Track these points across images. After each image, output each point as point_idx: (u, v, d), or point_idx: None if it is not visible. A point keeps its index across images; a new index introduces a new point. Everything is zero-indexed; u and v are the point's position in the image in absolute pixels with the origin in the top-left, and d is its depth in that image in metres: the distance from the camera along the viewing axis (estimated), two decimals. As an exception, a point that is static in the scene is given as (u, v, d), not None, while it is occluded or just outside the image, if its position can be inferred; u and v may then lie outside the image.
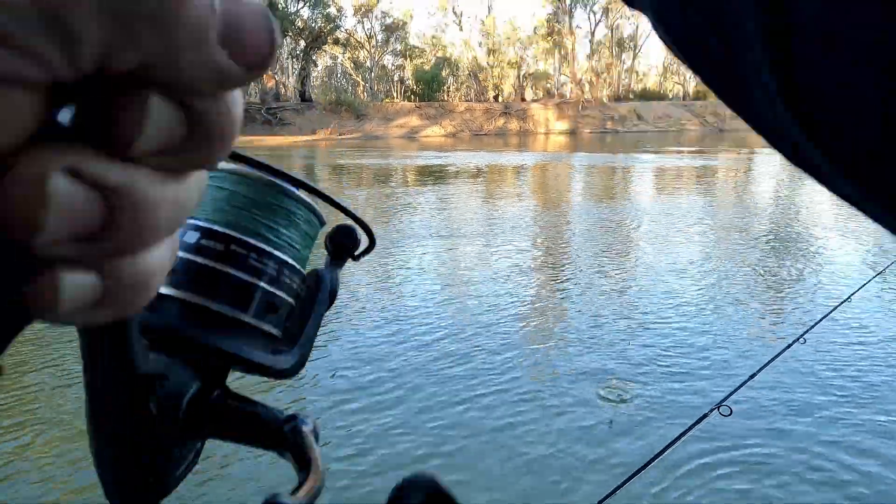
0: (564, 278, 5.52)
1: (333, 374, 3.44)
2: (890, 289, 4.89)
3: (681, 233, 7.34)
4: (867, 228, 7.51)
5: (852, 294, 2.73)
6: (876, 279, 5.29)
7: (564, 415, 3.00)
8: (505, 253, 6.45)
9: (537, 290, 5.18)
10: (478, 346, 3.82)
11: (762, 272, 5.57)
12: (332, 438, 2.79)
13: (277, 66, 47.54)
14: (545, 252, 6.69)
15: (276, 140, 31.91)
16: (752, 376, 1.76)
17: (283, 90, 47.51)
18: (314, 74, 56.09)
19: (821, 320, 2.41)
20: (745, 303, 4.70)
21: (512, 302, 4.79)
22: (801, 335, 2.21)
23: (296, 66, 49.22)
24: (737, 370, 3.47)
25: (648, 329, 4.15)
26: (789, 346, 2.13)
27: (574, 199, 11.19)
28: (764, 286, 5.15)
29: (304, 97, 43.89)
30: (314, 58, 49.21)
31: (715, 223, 8.05)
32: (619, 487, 1.22)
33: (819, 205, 9.63)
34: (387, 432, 2.85)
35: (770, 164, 17.12)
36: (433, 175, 15.40)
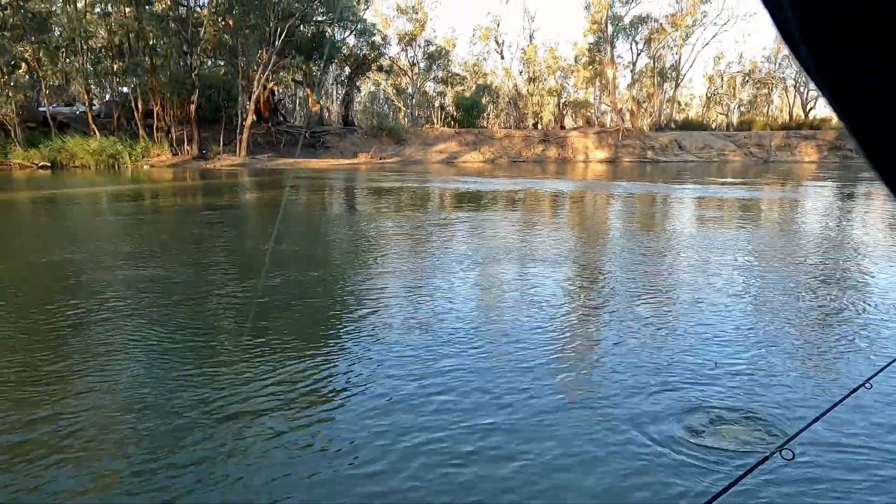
0: (604, 310, 5.42)
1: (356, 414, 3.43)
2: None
3: (729, 266, 7.13)
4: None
5: None
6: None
7: (615, 455, 2.91)
8: (542, 281, 6.38)
9: (575, 323, 5.10)
10: (509, 381, 3.76)
11: (822, 311, 5.35)
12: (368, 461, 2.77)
13: (323, 92, 48.89)
14: (585, 282, 6.60)
15: (318, 163, 32.65)
16: (815, 420, 1.68)
17: (327, 115, 48.75)
18: (357, 100, 57.43)
19: (888, 365, 2.28)
20: (804, 343, 4.51)
21: (549, 334, 4.72)
22: (867, 380, 2.10)
23: (340, 92, 50.54)
24: (799, 414, 3.32)
25: (698, 369, 4.02)
26: (854, 390, 2.02)
27: (614, 227, 11.04)
28: (824, 326, 4.94)
29: (346, 122, 44.93)
30: (358, 84, 50.43)
31: (766, 257, 7.80)
32: None
33: (880, 241, 9.25)
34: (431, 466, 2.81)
35: (821, 198, 16.60)
36: (470, 200, 15.46)
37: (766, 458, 1.46)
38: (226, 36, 34.41)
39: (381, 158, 36.61)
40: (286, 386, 3.57)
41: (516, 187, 18.94)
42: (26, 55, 30.76)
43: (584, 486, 2.60)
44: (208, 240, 9.01)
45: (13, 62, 29.48)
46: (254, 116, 34.12)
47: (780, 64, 50.14)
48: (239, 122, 33.32)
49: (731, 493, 1.30)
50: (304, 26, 37.15)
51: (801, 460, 2.72)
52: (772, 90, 53.23)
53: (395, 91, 52.96)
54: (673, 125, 47.63)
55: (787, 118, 49.43)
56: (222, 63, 37.40)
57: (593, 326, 4.86)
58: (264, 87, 35.40)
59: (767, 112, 54.11)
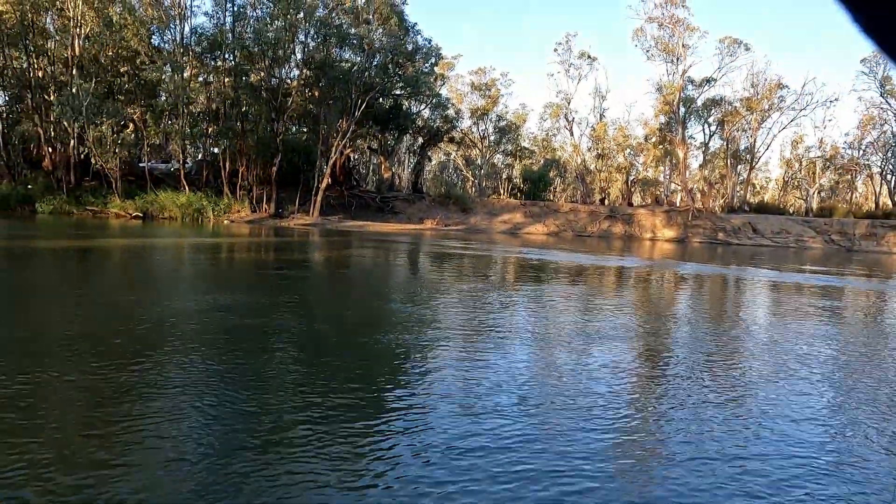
0: (667, 404, 5.18)
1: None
2: None
3: (810, 364, 6.70)
4: None
5: None
6: None
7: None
8: (601, 363, 6.21)
9: (633, 415, 4.89)
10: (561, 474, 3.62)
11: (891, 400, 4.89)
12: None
13: (395, 159, 51.03)
14: (646, 372, 6.35)
15: (386, 226, 33.68)
16: None
17: (398, 181, 50.65)
18: (427, 168, 59.49)
19: None
20: (863, 433, 4.12)
21: (605, 422, 4.55)
22: None
23: (412, 160, 52.63)
24: None
25: (773, 481, 3.74)
26: None
27: (680, 312, 10.66)
28: (890, 417, 4.50)
29: (416, 189, 46.47)
30: (429, 153, 52.41)
31: (850, 356, 7.28)
32: None
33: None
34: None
35: (910, 292, 15.48)
36: (532, 272, 15.39)
37: None
38: (310, 105, 36.96)
39: (446, 225, 37.33)
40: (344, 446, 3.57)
41: (581, 261, 18.74)
42: (134, 116, 34.09)
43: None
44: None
45: (123, 122, 32.68)
46: (329, 180, 35.89)
47: (863, 150, 48.33)
48: (315, 185, 35.10)
49: None
50: (383, 99, 39.38)
51: None
52: (855, 177, 51.11)
53: (464, 161, 54.60)
54: (746, 208, 46.26)
55: (873, 206, 47.03)
56: (305, 129, 39.98)
57: (655, 415, 4.63)
58: (341, 153, 37.39)
59: (850, 199, 51.80)
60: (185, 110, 33.33)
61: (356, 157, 50.56)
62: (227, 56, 34.67)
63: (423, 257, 18.49)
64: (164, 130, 34.79)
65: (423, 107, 44.53)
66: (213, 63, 35.28)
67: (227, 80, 34.56)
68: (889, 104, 43.66)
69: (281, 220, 33.12)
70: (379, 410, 4.25)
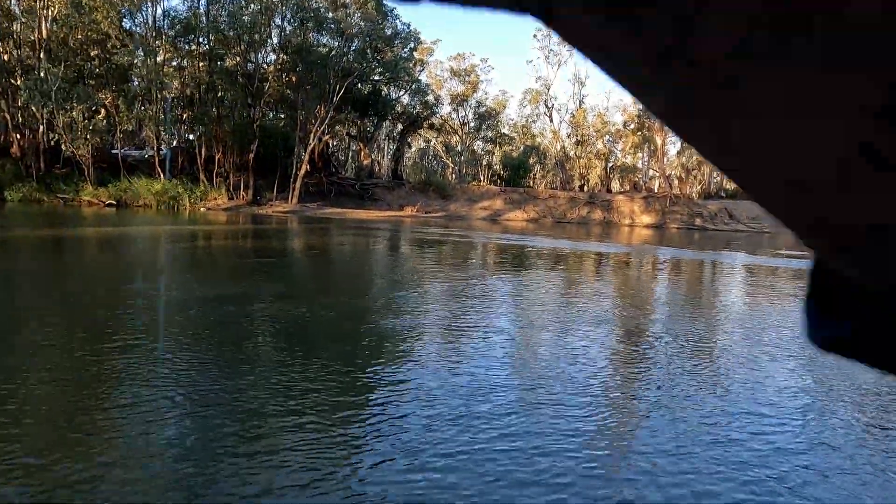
0: (647, 387, 5.24)
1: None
2: None
3: (780, 342, 6.83)
4: None
5: None
6: None
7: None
8: (581, 349, 6.26)
9: (613, 401, 4.94)
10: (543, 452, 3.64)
11: (866, 381, 5.02)
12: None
13: (375, 146, 50.62)
14: (626, 357, 6.42)
15: (365, 214, 33.46)
16: None
17: (377, 168, 50.28)
18: (407, 155, 59.12)
19: None
20: (840, 411, 4.23)
21: (584, 409, 4.58)
22: None
23: (391, 147, 52.26)
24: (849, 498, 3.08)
25: (758, 460, 3.80)
26: None
27: (659, 297, 10.79)
28: (865, 394, 4.63)
29: (395, 175, 46.17)
30: (409, 140, 52.07)
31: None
32: None
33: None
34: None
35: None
36: (512, 258, 15.43)
37: None
38: (288, 91, 36.40)
39: (426, 212, 37.23)
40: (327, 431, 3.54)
41: (560, 247, 18.85)
42: (106, 101, 33.22)
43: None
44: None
45: (94, 108, 31.83)
46: (307, 167, 35.48)
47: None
48: (293, 172, 34.68)
49: None
50: (362, 84, 38.93)
51: None
52: (828, 163, 52.12)
53: (444, 148, 54.37)
54: (723, 194, 46.90)
55: (845, 192, 47.93)
56: (282, 115, 39.40)
57: (635, 396, 4.68)
58: (320, 140, 36.95)
59: (823, 185, 52.84)
60: (159, 96, 32.56)
61: (335, 143, 50.03)
62: (201, 40, 33.89)
63: (404, 244, 18.43)
64: (137, 116, 33.97)
65: (402, 93, 44.12)
66: (186, 47, 34.43)
67: (201, 64, 33.82)
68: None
69: (259, 207, 32.70)
70: (366, 398, 4.22)
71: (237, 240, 17.77)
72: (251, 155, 33.94)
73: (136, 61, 32.02)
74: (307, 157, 35.11)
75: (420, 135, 53.73)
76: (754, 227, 39.51)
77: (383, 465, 3.16)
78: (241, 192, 34.19)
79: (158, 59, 32.61)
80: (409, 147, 57.82)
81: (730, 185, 50.48)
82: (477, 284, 9.91)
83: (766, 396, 4.68)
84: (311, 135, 35.04)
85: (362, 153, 44.86)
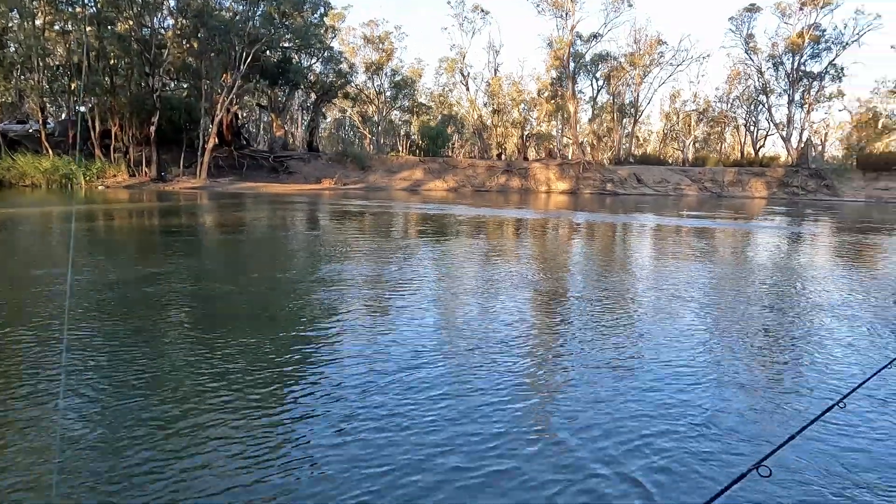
0: (566, 338, 5.44)
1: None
2: (900, 354, 4.80)
3: (695, 296, 7.28)
4: (880, 281, 7.45)
5: (894, 360, 2.67)
6: None
7: (593, 480, 2.87)
8: (502, 311, 6.38)
9: (534, 351, 5.09)
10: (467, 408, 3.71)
11: (795, 336, 5.49)
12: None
13: (287, 117, 48.74)
14: (545, 313, 6.61)
15: (281, 187, 32.32)
16: (791, 438, 1.69)
17: (291, 140, 48.51)
18: (322, 126, 57.44)
19: (861, 385, 2.33)
20: (756, 365, 4.60)
21: (507, 363, 4.69)
22: (841, 399, 2.13)
23: (305, 118, 50.48)
24: (777, 432, 3.35)
25: (650, 390, 4.04)
26: (829, 409, 2.06)
27: (574, 259, 11.19)
28: (798, 351, 5.05)
29: (311, 147, 44.77)
30: (323, 110, 50.52)
31: (718, 285, 8.01)
32: None
33: (846, 270, 9.62)
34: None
35: (775, 234, 17.25)
36: (435, 227, 15.48)
37: (743, 476, 1.44)
38: (190, 59, 34.09)
39: (344, 184, 36.50)
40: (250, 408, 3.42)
41: (480, 214, 19.10)
42: (-23, 70, 29.76)
43: (552, 508, 2.54)
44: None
45: (-37, 77, 28.45)
46: (216, 140, 33.66)
47: (731, 104, 52.59)
48: (200, 145, 32.80)
49: None
50: (271, 52, 37.15)
51: (778, 477, 2.73)
52: (724, 129, 55.65)
53: (360, 118, 53.26)
54: (632, 159, 49.13)
55: (739, 156, 51.63)
56: (186, 85, 36.96)
57: (554, 351, 4.85)
58: (227, 111, 35.06)
59: (720, 149, 56.48)
60: (41, 63, 29.57)
61: (245, 114, 47.69)
62: (86, 1, 30.89)
63: (325, 217, 17.99)
64: (16, 87, 30.73)
65: (314, 61, 42.55)
66: (70, 10, 31.27)
67: (89, 28, 30.88)
68: (752, 60, 47.54)
69: (164, 184, 30.75)
70: (303, 368, 4.11)
71: (146, 219, 16.67)
72: (152, 128, 31.69)
73: (10, 24, 28.78)
74: (215, 130, 33.26)
75: (335, 105, 52.26)
76: (660, 190, 41.77)
77: (319, 430, 3.10)
78: (144, 168, 31.99)
79: (38, 22, 29.48)
80: (325, 118, 56.16)
81: (638, 151, 52.98)
82: (402, 254, 9.86)
83: (671, 335, 5.01)
84: (218, 105, 33.16)
85: (275, 124, 43.06)
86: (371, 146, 52.02)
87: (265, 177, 35.83)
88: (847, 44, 43.15)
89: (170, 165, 32.94)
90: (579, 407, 3.62)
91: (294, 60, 39.41)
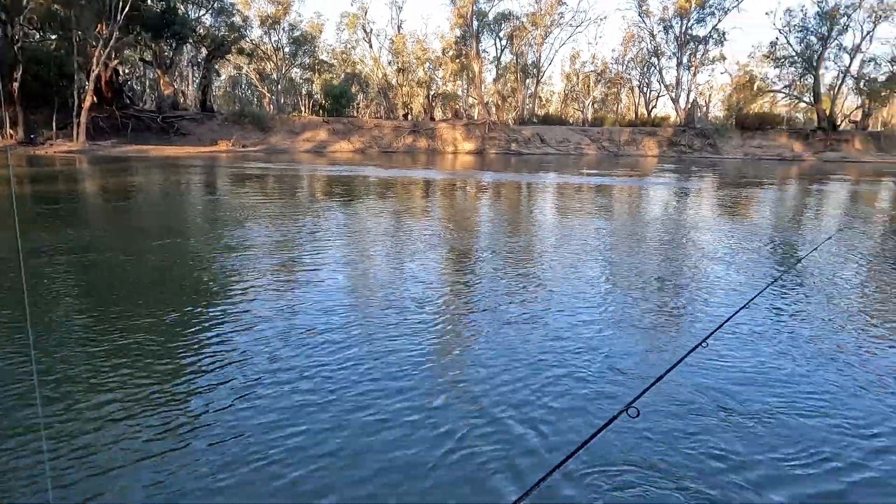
0: (472, 285, 5.54)
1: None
2: (784, 295, 5.33)
3: (598, 250, 7.63)
4: (764, 243, 8.20)
5: (750, 300, 2.92)
6: (773, 287, 5.73)
7: (496, 423, 2.96)
8: (414, 270, 6.40)
9: (448, 311, 5.16)
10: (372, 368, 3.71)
11: (666, 282, 5.89)
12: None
13: (177, 74, 45.16)
14: (456, 271, 6.70)
15: (172, 150, 30.10)
16: (658, 379, 1.79)
17: (182, 99, 45.09)
18: (216, 84, 53.80)
19: (721, 325, 2.53)
20: (650, 311, 4.92)
21: (419, 320, 4.72)
22: (704, 339, 2.30)
23: (197, 75, 46.91)
24: (646, 374, 3.60)
25: (555, 339, 4.22)
26: (693, 349, 2.20)
27: (483, 218, 11.37)
28: (689, 296, 5.43)
29: (204, 107, 41.87)
30: (216, 67, 47.21)
31: (617, 238, 8.46)
32: (530, 490, 1.17)
33: (727, 221, 10.42)
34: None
35: (667, 190, 18.39)
36: (343, 189, 15.12)
37: (613, 419, 1.50)
38: (56, 6, 30.42)
39: (243, 146, 34.63)
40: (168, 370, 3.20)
41: (390, 176, 18.86)
42: None
43: (443, 449, 2.61)
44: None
45: None
46: (94, 98, 30.60)
47: (626, 65, 54.81)
48: (76, 105, 29.72)
49: (585, 451, 1.34)
50: (152, 1, 33.97)
51: (646, 417, 2.93)
52: (620, 90, 58.06)
53: (258, 76, 50.35)
54: (535, 119, 50.21)
55: (634, 116, 54.23)
56: (54, 37, 33.06)
57: (465, 308, 4.94)
58: (106, 66, 31.87)
59: (617, 110, 58.98)
60: None
61: (127, 70, 43.58)
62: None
63: (225, 181, 17.01)
64: None
65: (203, 12, 39.48)
66: None
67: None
68: (645, 23, 49.60)
69: (34, 147, 27.68)
70: (210, 334, 3.89)
71: (18, 186, 14.95)
72: (15, 84, 28.23)
73: None
74: (92, 87, 30.18)
75: (229, 61, 48.96)
76: (562, 149, 43.20)
77: (225, 396, 2.97)
78: (8, 130, 28.58)
79: None
80: (218, 75, 52.56)
81: (541, 112, 54.20)
82: (311, 217, 9.56)
83: (578, 290, 5.26)
84: (94, 60, 30.02)
85: (162, 82, 39.73)
86: (271, 106, 49.53)
87: (154, 139, 33.20)
88: (728, 9, 46.03)
89: (40, 127, 29.66)
90: (490, 358, 3.72)
91: (180, 11, 36.29)
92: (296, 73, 51.00)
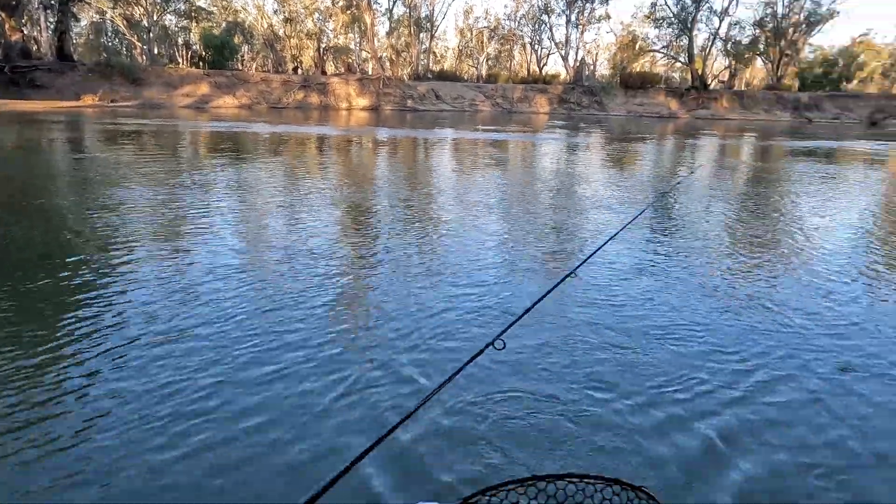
0: (371, 235, 5.55)
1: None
2: (645, 226, 5.80)
3: (495, 202, 7.84)
4: (644, 191, 8.80)
5: (617, 232, 3.15)
6: (638, 219, 6.19)
7: (386, 370, 3.02)
8: (310, 227, 6.28)
9: (348, 268, 5.14)
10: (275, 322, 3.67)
11: (577, 230, 6.20)
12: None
13: (26, 18, 39.78)
14: (354, 228, 6.66)
15: (27, 105, 26.75)
16: (526, 311, 1.83)
17: (35, 47, 39.87)
18: (77, 31, 48.10)
19: (590, 256, 2.71)
20: (542, 255, 5.19)
21: (316, 275, 4.68)
22: (573, 270, 2.46)
23: (51, 20, 41.48)
24: (515, 306, 3.82)
25: (451, 285, 4.35)
26: (562, 280, 2.33)
27: (380, 174, 11.29)
28: (578, 241, 5.74)
29: (63, 56, 37.34)
30: (74, 11, 42.07)
31: (524, 192, 8.74)
32: (396, 426, 1.21)
33: (613, 173, 11.01)
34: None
35: (558, 145, 19.09)
36: (230, 146, 14.28)
37: (480, 352, 1.56)
38: None
39: (112, 101, 31.50)
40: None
41: (280, 132, 18.04)
42: None
43: (336, 394, 2.66)
44: None
45: None
46: (-78, 43, 26.28)
47: (518, 22, 55.46)
48: None
49: (452, 385, 1.40)
50: (-12, -71, 29.35)
51: (511, 349, 3.11)
52: (513, 46, 58.80)
53: (126, 23, 45.52)
54: (430, 75, 49.77)
55: (526, 73, 55.29)
56: None
57: (364, 261, 4.94)
58: (-66, 5, 27.35)
59: (510, 67, 59.80)
60: None
61: (-38, 12, 37.64)
62: None
63: (93, 140, 15.43)
64: None
65: (53, -54, 34.70)
66: None
67: None
68: (534, -20, 50.17)
69: None
70: (62, 310, 3.59)
71: None
72: None
73: None
74: (-82, 30, 25.86)
75: (90, 5, 43.79)
76: (457, 106, 43.33)
77: (100, 364, 2.80)
78: None
79: None
80: (77, 20, 46.92)
81: (436, 68, 53.78)
82: (197, 176, 8.98)
83: (475, 239, 5.43)
84: (-82, -3, 25.62)
85: (7, 26, 34.78)
86: (143, 57, 45.15)
87: (3, 92, 29.32)
88: (612, -31, 47.60)
89: None
90: (388, 311, 3.77)
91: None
92: (170, 20, 46.73)
